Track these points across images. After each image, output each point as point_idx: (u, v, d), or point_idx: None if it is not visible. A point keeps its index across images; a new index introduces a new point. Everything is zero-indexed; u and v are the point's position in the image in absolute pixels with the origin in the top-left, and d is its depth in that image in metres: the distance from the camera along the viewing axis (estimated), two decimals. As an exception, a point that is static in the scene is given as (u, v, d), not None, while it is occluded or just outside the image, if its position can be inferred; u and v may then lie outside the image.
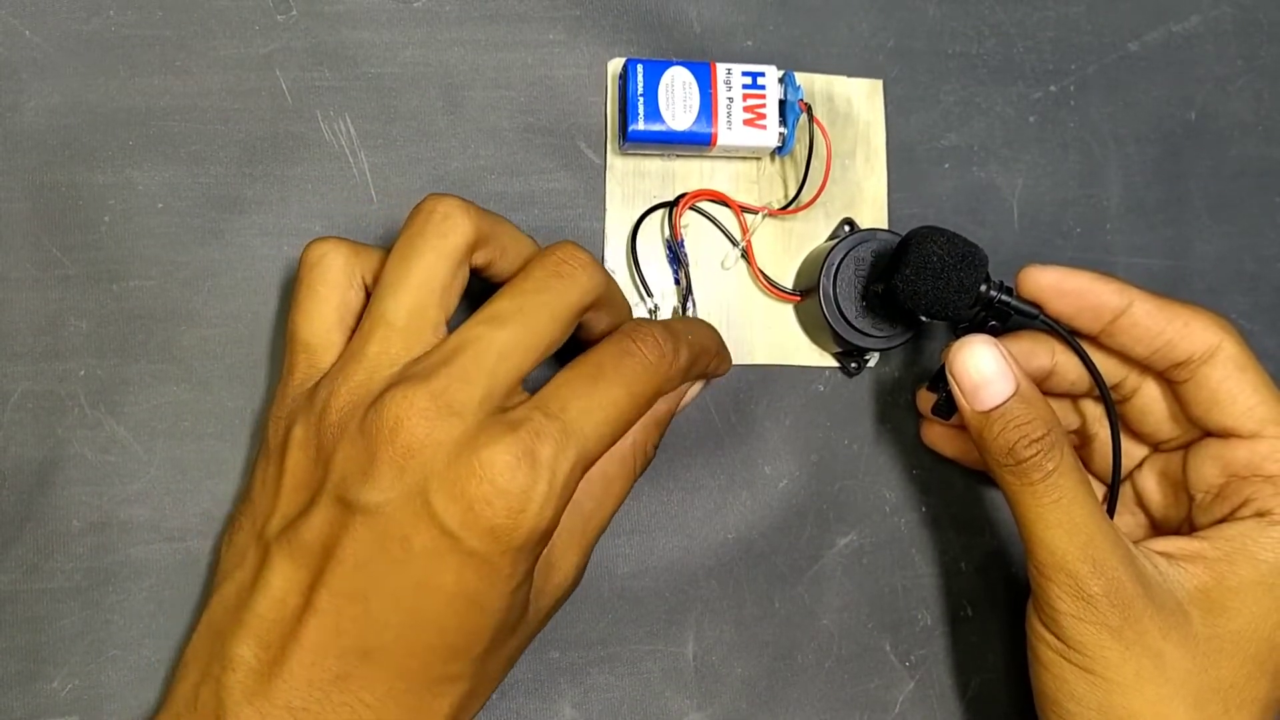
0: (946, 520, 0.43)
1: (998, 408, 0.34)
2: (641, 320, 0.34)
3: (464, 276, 0.33)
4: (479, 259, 0.34)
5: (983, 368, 0.34)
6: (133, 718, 0.37)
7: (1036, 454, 0.33)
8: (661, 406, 0.37)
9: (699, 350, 0.35)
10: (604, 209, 0.41)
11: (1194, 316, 0.36)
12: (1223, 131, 0.47)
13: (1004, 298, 0.36)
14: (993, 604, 0.43)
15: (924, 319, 0.37)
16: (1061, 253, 0.45)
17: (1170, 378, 0.37)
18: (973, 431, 0.35)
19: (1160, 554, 0.35)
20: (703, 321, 0.38)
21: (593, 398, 0.31)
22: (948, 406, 0.36)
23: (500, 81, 0.41)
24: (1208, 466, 0.37)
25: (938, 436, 0.41)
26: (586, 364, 0.32)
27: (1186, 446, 0.38)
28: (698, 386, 0.39)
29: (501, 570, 0.30)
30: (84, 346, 0.38)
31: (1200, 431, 0.37)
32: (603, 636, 0.40)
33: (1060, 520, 0.33)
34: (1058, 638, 0.34)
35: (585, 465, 0.31)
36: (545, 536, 0.31)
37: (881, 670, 0.42)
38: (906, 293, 0.36)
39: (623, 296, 0.36)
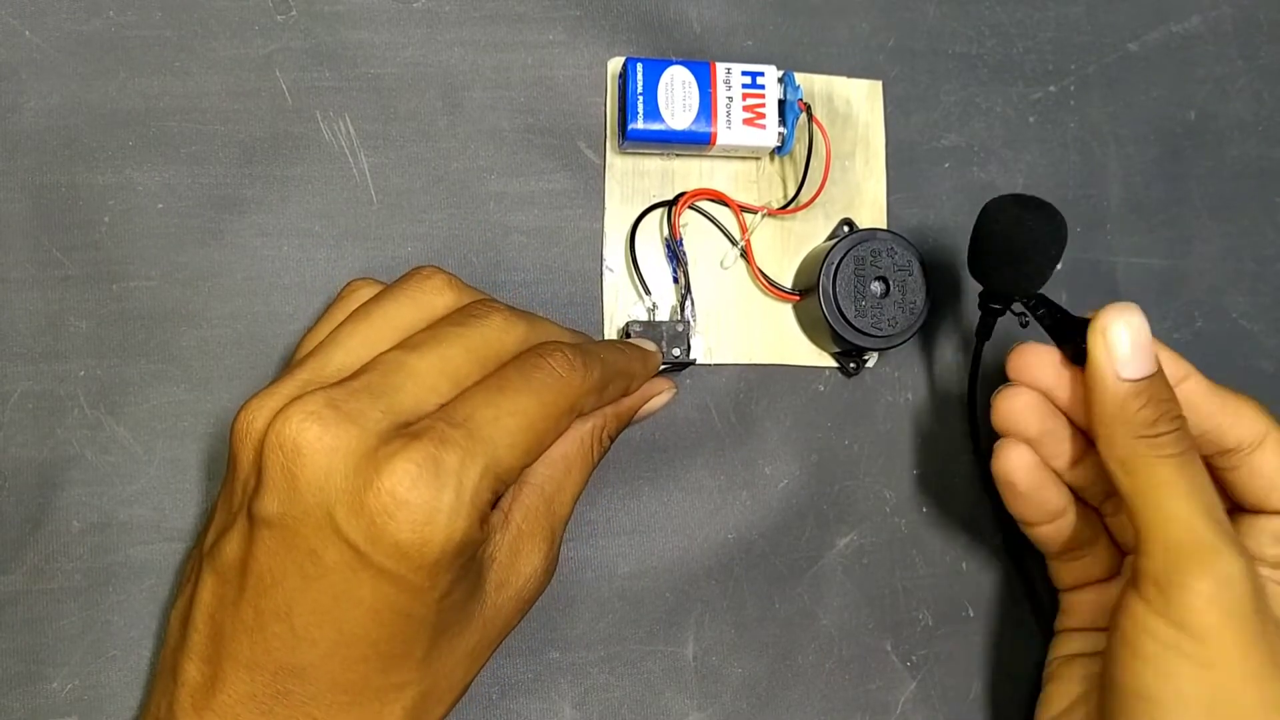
0: (947, 520, 0.43)
1: (1143, 380, 0.33)
2: (549, 341, 0.34)
3: None
4: None
5: (1139, 336, 0.33)
6: (132, 718, 0.37)
7: (1178, 429, 0.33)
8: (626, 401, 0.37)
9: (614, 370, 0.35)
10: (603, 208, 0.41)
11: (1243, 405, 0.35)
12: (1223, 131, 0.47)
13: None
14: (994, 604, 0.43)
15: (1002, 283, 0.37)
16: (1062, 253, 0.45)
17: (1217, 464, 0.36)
18: (1110, 401, 0.33)
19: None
20: (626, 344, 0.38)
21: (500, 405, 0.30)
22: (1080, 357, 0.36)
23: (500, 82, 0.42)
24: (1265, 539, 0.36)
25: (1022, 463, 0.37)
26: (492, 376, 0.32)
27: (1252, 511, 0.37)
28: (665, 396, 0.39)
29: (420, 585, 0.29)
30: (84, 347, 0.38)
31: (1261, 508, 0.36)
32: (603, 636, 0.40)
33: (1198, 495, 0.32)
34: (1177, 627, 0.31)
35: (498, 475, 0.30)
36: (464, 549, 0.29)
37: (883, 671, 0.42)
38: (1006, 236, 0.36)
39: (569, 340, 0.35)
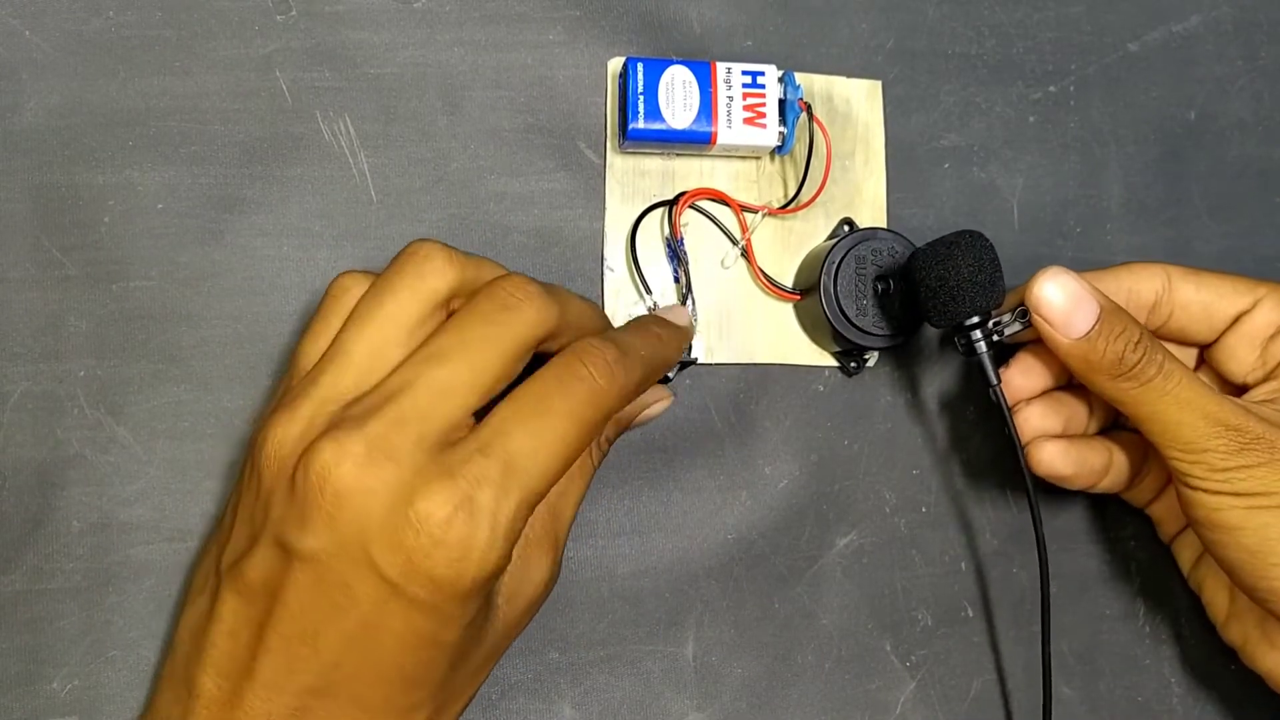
0: (946, 520, 0.43)
1: (1094, 327, 0.35)
2: (591, 340, 0.32)
3: (437, 321, 0.32)
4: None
5: (1068, 293, 0.35)
6: (132, 718, 0.37)
7: (1144, 352, 0.35)
8: (629, 409, 0.37)
9: (651, 366, 0.34)
10: (604, 208, 0.41)
11: (1135, 269, 0.39)
12: (1223, 131, 0.47)
13: (994, 337, 0.37)
14: (994, 604, 0.43)
15: (927, 311, 0.37)
16: (1062, 252, 0.45)
17: (1154, 328, 0.39)
18: (1077, 361, 0.35)
19: (1258, 403, 0.37)
20: (663, 325, 0.36)
21: (539, 435, 0.30)
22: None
23: (500, 82, 0.42)
24: (1240, 351, 0.39)
25: (1054, 454, 0.39)
26: (530, 393, 0.31)
27: (1215, 343, 0.40)
28: (662, 405, 0.39)
29: (450, 613, 0.30)
30: (84, 346, 0.38)
31: (1216, 334, 0.40)
32: (603, 637, 0.40)
33: (1190, 396, 0.34)
34: (1237, 494, 0.34)
35: (532, 504, 0.30)
36: (493, 578, 0.30)
37: (882, 671, 0.42)
38: (928, 278, 0.37)
39: (584, 314, 0.34)
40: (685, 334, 0.38)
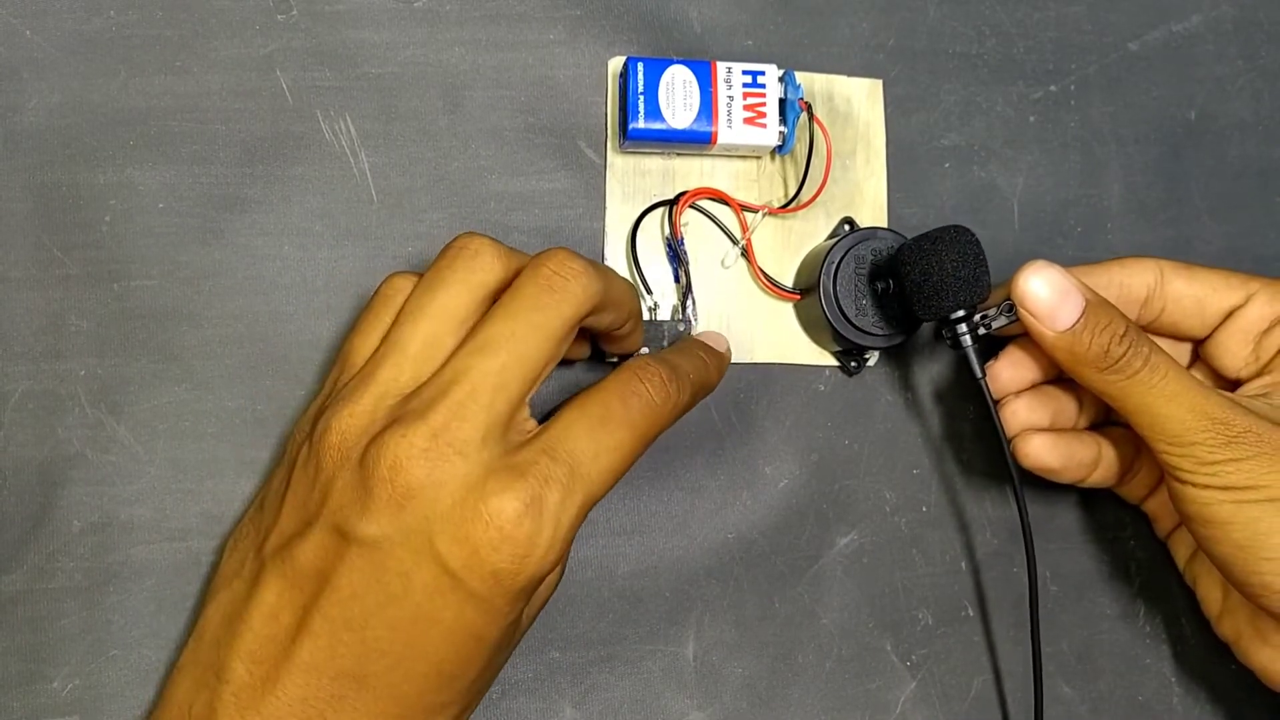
0: (947, 520, 0.43)
1: (1079, 320, 0.35)
2: (647, 360, 0.34)
3: (484, 313, 0.33)
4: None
5: (1054, 286, 0.35)
6: (133, 718, 0.37)
7: (1130, 345, 0.35)
8: None
9: (699, 388, 0.36)
10: (604, 207, 0.41)
11: (1128, 263, 0.39)
12: (1223, 131, 0.47)
13: (979, 330, 0.37)
14: (994, 604, 0.43)
15: (915, 307, 0.38)
16: (1062, 251, 0.45)
17: (1148, 318, 0.39)
18: (1063, 354, 0.35)
19: (1250, 397, 0.37)
20: (708, 351, 0.38)
21: (601, 441, 0.32)
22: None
23: (500, 81, 0.42)
24: (1233, 345, 0.39)
25: (1041, 447, 0.38)
26: (594, 404, 0.32)
27: (1209, 338, 0.40)
28: None
29: (501, 609, 0.31)
30: (84, 346, 0.38)
31: (1210, 329, 0.39)
32: (603, 636, 0.40)
33: (1177, 389, 0.34)
34: (1225, 488, 0.34)
35: (589, 507, 0.32)
36: (544, 577, 0.31)
37: (882, 670, 0.42)
38: (914, 270, 0.37)
39: (624, 290, 0.35)
40: (725, 360, 0.39)
